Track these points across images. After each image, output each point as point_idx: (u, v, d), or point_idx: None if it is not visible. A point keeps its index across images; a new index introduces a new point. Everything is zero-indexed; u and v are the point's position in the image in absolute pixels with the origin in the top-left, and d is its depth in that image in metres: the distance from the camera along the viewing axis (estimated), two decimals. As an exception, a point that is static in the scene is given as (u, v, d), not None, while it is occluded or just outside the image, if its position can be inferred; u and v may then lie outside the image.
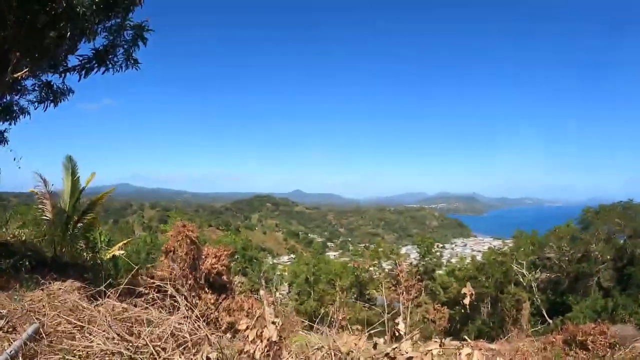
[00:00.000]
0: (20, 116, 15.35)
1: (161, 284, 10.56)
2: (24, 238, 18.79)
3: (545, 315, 38.88)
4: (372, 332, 7.71)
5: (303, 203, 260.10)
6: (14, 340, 7.06)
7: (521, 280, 41.30)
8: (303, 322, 18.75)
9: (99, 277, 17.31)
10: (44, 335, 7.28)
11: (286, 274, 61.19)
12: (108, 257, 21.54)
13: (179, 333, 6.84)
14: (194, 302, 18.55)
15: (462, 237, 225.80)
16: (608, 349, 17.11)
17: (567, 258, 43.05)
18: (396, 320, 6.36)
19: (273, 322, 6.22)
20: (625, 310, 33.86)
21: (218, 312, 19.21)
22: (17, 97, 14.92)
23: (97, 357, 6.39)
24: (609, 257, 40.56)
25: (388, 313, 30.38)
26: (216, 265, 20.59)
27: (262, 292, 9.35)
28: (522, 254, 44.07)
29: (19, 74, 12.40)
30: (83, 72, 13.35)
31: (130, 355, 6.26)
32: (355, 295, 48.41)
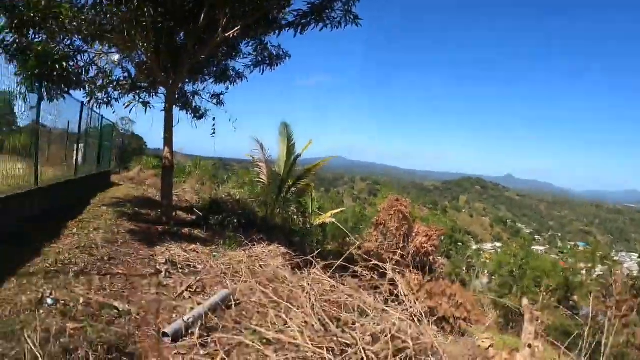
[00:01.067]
0: (237, 80, 15.02)
1: (378, 264, 9.15)
2: (238, 197, 18.99)
3: None
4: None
5: (513, 189, 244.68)
6: (198, 304, 6.15)
7: None
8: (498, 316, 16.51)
9: (306, 244, 17.06)
10: (232, 304, 6.26)
11: (488, 261, 57.55)
12: (318, 223, 21.20)
13: (399, 335, 5.16)
14: (397, 279, 18.09)
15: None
16: None
17: None
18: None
19: (529, 345, 4.37)
20: None
21: (419, 293, 18.18)
22: (232, 61, 14.71)
23: (288, 347, 5.04)
24: None
25: (590, 327, 26.81)
26: (425, 245, 19.64)
27: (524, 301, 7.32)
28: None
29: (230, 32, 11.72)
30: (299, 28, 12.22)
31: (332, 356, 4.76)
32: (558, 299, 43.24)
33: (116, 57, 13.07)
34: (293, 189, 17.99)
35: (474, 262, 53.52)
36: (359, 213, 46.75)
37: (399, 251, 18.41)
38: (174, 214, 13.53)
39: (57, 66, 10.55)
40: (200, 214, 14.09)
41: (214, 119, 15.25)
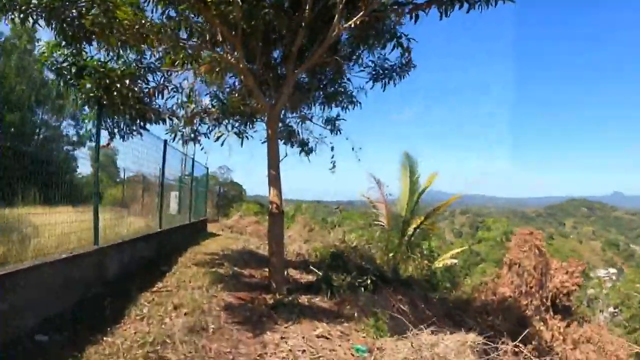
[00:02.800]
0: (349, 106, 11.43)
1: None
2: (354, 244, 15.90)
3: None
4: None
5: (622, 207, 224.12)
6: None
7: None
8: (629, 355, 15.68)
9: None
10: None
11: (604, 291, 51.28)
12: (439, 266, 18.17)
13: None
14: (539, 328, 15.31)
15: None
16: None
17: None
18: None
19: None
20: None
21: (565, 343, 15.40)
22: (346, 76, 11.05)
23: None
24: None
25: None
26: (567, 283, 17.15)
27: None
28: None
29: (352, 20, 8.23)
30: (443, 8, 8.09)
31: None
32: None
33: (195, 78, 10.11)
34: (417, 230, 15.19)
35: (595, 293, 47.75)
36: (468, 250, 43.72)
37: (537, 293, 16.30)
38: (285, 273, 10.24)
39: (118, 86, 7.70)
40: (319, 272, 10.73)
41: (332, 148, 11.82)
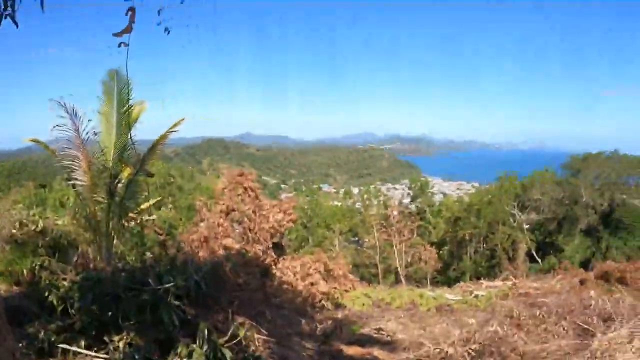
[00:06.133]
0: None
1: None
2: (39, 226, 10.21)
3: (535, 255, 38.04)
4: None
5: (254, 145, 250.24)
6: None
7: (511, 221, 40.23)
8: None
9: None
10: None
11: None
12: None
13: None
14: (275, 273, 15.46)
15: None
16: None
17: (556, 201, 41.22)
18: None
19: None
20: (617, 251, 34.81)
21: (301, 280, 16.00)
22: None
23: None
24: (599, 202, 39.56)
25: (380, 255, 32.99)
26: (283, 222, 16.93)
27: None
28: (509, 195, 42.76)
29: None
30: None
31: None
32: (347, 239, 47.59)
33: None
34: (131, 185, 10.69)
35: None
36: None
37: (260, 238, 15.86)
38: None
39: None
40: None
41: None
